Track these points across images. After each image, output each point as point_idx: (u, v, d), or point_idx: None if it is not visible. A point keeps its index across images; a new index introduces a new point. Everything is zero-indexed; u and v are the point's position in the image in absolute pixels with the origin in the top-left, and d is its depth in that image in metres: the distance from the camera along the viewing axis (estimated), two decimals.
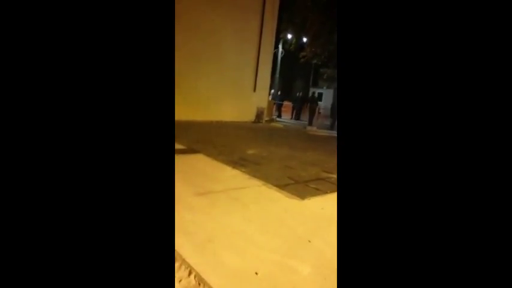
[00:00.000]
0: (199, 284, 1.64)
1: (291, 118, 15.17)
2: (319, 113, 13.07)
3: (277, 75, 18.20)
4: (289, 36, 17.11)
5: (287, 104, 16.86)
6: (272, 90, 14.22)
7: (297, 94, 16.84)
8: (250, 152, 5.17)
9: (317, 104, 13.27)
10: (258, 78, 10.10)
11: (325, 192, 3.34)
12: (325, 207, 2.90)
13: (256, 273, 1.74)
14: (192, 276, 1.70)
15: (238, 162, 4.25)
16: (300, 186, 3.46)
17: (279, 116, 14.67)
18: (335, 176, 4.03)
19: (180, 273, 1.75)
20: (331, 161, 5.02)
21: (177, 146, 4.88)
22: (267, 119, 10.62)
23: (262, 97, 10.41)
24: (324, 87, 21.62)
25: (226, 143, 5.73)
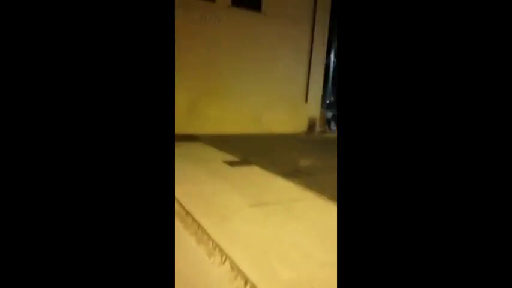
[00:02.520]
0: None
1: None
2: None
3: (329, 85, 17.88)
4: None
5: None
6: (327, 101, 13.98)
7: None
8: (303, 163, 5.12)
9: None
10: (309, 89, 10.02)
11: None
12: None
13: None
14: (248, 287, 1.72)
15: (292, 174, 4.23)
16: None
17: (332, 126, 14.31)
18: None
19: (236, 283, 1.78)
20: None
21: (231, 158, 5.02)
22: (319, 129, 10.43)
23: (314, 108, 10.28)
24: None
25: (279, 155, 5.75)
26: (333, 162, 5.48)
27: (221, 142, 6.47)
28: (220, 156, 5.25)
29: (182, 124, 7.37)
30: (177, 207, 2.83)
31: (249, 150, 5.94)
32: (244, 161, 4.87)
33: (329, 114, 13.91)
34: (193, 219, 2.55)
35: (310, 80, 9.99)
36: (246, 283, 1.76)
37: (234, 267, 1.90)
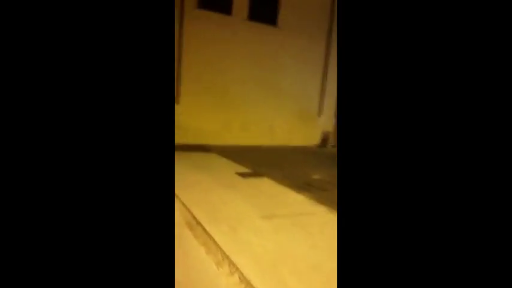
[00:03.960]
0: None
1: None
2: None
3: None
4: None
5: None
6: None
7: None
8: (315, 177, 5.08)
9: None
10: (323, 103, 10.02)
11: None
12: None
13: None
14: None
15: (303, 187, 4.19)
16: None
17: None
18: None
19: None
20: None
21: (243, 170, 5.03)
22: (332, 143, 10.36)
23: (327, 121, 10.25)
24: None
25: (291, 167, 5.73)
26: None
27: (234, 153, 6.50)
28: (232, 167, 5.26)
29: (194, 135, 7.47)
30: (187, 216, 2.84)
31: (260, 162, 5.94)
32: (256, 173, 4.87)
33: None
34: (204, 229, 2.55)
35: (324, 94, 10.00)
36: None
37: (243, 278, 1.88)
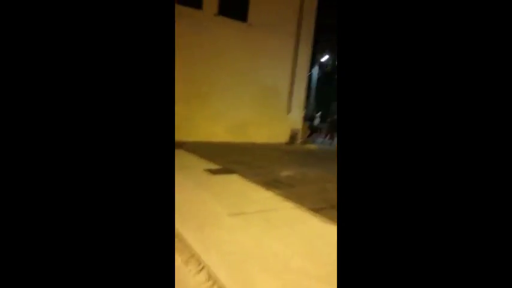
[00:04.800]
0: None
1: (325, 140, 14.97)
2: None
3: (312, 97, 18.19)
4: (326, 58, 17.18)
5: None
6: (310, 113, 14.20)
7: (330, 117, 16.64)
8: (284, 173, 5.16)
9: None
10: (292, 100, 10.17)
11: None
12: None
13: None
14: None
15: (272, 184, 4.25)
16: (335, 211, 3.38)
17: (313, 137, 14.52)
18: None
19: None
20: None
21: (213, 166, 5.00)
22: (301, 140, 10.56)
23: (296, 119, 10.43)
24: None
25: (260, 164, 5.78)
26: (312, 174, 5.53)
27: (204, 150, 6.44)
28: (201, 164, 5.21)
29: None
30: None
31: (231, 158, 5.94)
32: (226, 170, 4.86)
33: (316, 124, 14.11)
34: None
35: (293, 92, 10.15)
36: None
37: (211, 276, 1.89)
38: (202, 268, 1.97)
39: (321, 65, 17.98)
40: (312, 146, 10.51)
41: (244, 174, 4.62)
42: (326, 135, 15.77)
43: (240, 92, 8.86)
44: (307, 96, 12.30)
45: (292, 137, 10.22)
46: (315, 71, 17.94)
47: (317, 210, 3.30)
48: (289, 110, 10.19)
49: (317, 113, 16.66)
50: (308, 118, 13.94)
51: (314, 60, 14.79)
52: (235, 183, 4.22)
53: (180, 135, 7.54)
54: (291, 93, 10.12)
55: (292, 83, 10.08)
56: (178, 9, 7.28)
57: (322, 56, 17.11)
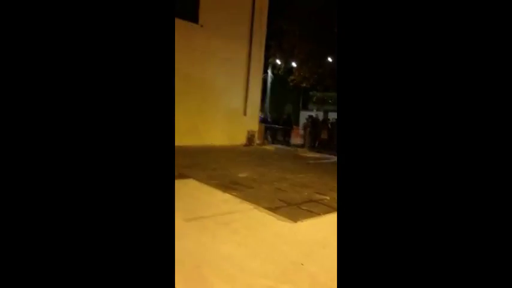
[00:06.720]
0: None
1: (283, 139, 15.30)
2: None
3: (267, 99, 18.47)
4: (278, 61, 17.53)
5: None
6: (262, 114, 14.42)
7: (283, 117, 17.01)
8: (241, 175, 5.11)
9: (291, 127, 14.20)
10: (248, 103, 10.21)
11: (318, 215, 3.28)
12: (318, 230, 2.83)
13: None
14: None
15: (230, 186, 4.18)
16: (292, 209, 3.40)
17: (269, 138, 14.76)
18: (328, 197, 3.98)
19: None
20: (323, 182, 4.98)
21: None
22: (258, 142, 10.63)
23: (253, 121, 10.48)
24: (314, 110, 21.97)
25: (217, 167, 5.67)
26: (270, 174, 5.56)
27: None
28: None
29: None
30: None
31: (186, 163, 5.76)
32: (181, 175, 4.69)
33: (268, 126, 14.33)
34: None
35: (248, 94, 10.19)
36: None
37: None
38: None
39: (274, 68, 18.33)
40: (268, 148, 10.62)
41: (201, 178, 4.50)
42: (284, 136, 16.09)
43: (193, 94, 8.68)
44: (263, 99, 12.45)
45: (250, 139, 10.25)
46: (269, 74, 18.25)
47: (274, 209, 3.30)
48: (245, 112, 10.21)
49: (272, 114, 16.95)
50: (262, 120, 14.13)
51: (267, 63, 15.03)
52: (191, 188, 4.08)
53: None
54: (246, 95, 10.16)
55: (247, 85, 10.12)
56: None
57: (274, 60, 17.44)
